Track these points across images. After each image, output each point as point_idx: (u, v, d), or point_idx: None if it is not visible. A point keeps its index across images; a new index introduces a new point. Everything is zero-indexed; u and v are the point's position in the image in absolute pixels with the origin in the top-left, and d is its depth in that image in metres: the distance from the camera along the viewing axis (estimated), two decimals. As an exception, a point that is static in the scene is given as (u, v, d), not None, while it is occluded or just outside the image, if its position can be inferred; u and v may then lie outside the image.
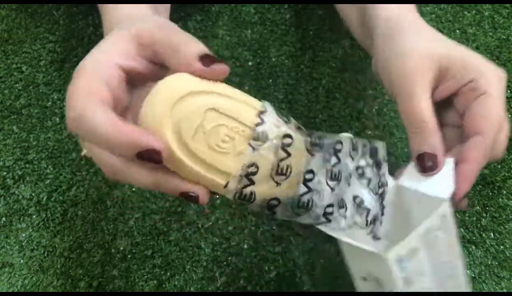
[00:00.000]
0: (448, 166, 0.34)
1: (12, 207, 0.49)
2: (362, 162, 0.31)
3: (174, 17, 0.58)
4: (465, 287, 0.34)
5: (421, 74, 0.34)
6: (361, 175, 0.31)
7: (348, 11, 0.45)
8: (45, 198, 0.49)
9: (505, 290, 0.45)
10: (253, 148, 0.28)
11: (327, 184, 0.30)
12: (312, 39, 0.57)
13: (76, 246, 0.47)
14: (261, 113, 0.28)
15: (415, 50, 0.34)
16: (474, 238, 0.47)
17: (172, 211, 0.48)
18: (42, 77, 0.56)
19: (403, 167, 0.37)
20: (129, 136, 0.25)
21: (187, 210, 0.48)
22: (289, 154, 0.29)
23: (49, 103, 0.54)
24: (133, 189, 0.49)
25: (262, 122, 0.28)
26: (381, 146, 0.33)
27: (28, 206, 0.49)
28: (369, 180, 0.32)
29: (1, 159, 0.51)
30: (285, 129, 0.28)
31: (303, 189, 0.30)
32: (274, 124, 0.28)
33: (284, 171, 0.29)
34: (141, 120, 0.27)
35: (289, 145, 0.29)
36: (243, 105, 0.28)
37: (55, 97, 0.54)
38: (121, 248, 0.47)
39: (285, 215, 0.30)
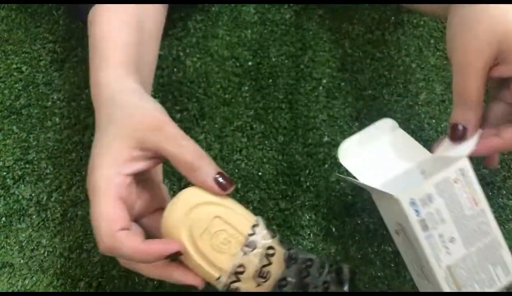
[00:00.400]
0: (476, 135, 0.37)
1: (12, 207, 0.49)
2: (328, 278, 0.38)
3: (174, 17, 0.58)
4: (502, 244, 0.37)
5: (479, 51, 0.33)
6: (326, 289, 0.38)
7: None
8: (45, 198, 0.49)
9: (505, 290, 0.45)
10: (244, 253, 0.35)
11: (297, 291, 0.37)
12: (312, 39, 0.57)
13: (76, 246, 0.47)
14: (254, 226, 0.36)
15: (479, 22, 0.33)
16: (474, 238, 0.47)
17: (172, 211, 0.48)
18: (42, 77, 0.56)
19: (438, 141, 0.40)
20: (155, 254, 0.33)
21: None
22: (270, 262, 0.36)
23: (49, 103, 0.54)
24: (133, 189, 0.49)
25: (254, 233, 0.36)
26: (346, 268, 0.39)
27: (28, 206, 0.49)
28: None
29: (1, 159, 0.51)
30: (270, 241, 0.36)
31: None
32: (263, 236, 0.36)
33: (265, 275, 0.36)
34: (163, 223, 0.35)
35: (271, 255, 0.36)
36: (242, 218, 0.36)
37: (55, 97, 0.54)
38: (121, 248, 0.47)
39: None
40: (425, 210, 0.35)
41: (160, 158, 0.35)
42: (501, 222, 0.48)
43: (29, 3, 0.60)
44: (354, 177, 0.41)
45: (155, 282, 0.45)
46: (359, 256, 0.46)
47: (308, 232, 0.47)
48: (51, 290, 0.45)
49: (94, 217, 0.33)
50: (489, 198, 0.49)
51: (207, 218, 0.35)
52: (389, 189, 0.37)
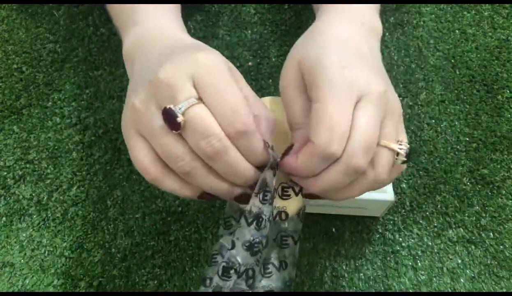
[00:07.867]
0: None
1: (12, 207, 0.49)
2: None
3: (174, 17, 0.58)
4: None
5: (291, 76, 0.34)
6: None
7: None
8: (45, 198, 0.49)
9: (504, 290, 0.45)
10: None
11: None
12: (312, 39, 0.57)
13: (76, 245, 0.47)
14: None
15: (294, 51, 0.36)
16: (473, 238, 0.47)
17: (172, 211, 0.48)
18: (43, 77, 0.56)
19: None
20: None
21: (187, 210, 0.48)
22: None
23: (50, 103, 0.54)
24: (133, 189, 0.49)
25: None
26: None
27: (29, 206, 0.49)
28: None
29: (2, 159, 0.51)
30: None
31: None
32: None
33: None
34: None
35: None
36: None
37: (56, 97, 0.54)
38: (121, 248, 0.47)
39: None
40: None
41: None
42: (500, 222, 0.48)
43: (30, 3, 0.60)
44: None
45: (155, 282, 0.45)
46: (359, 256, 0.46)
47: (308, 232, 0.47)
48: (51, 289, 0.45)
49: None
50: (488, 198, 0.49)
51: None
52: None
